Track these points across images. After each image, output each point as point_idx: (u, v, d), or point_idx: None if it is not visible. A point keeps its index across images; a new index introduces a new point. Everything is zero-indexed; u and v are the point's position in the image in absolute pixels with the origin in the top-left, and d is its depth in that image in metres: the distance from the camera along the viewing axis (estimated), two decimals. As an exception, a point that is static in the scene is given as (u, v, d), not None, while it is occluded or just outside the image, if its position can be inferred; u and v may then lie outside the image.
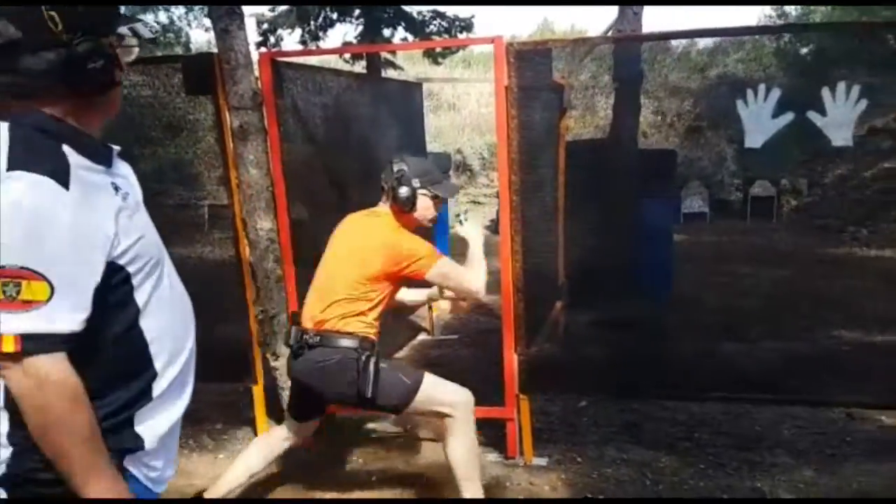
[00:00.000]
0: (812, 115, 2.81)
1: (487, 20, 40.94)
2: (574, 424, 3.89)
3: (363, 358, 2.58)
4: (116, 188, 1.28)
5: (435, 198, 2.78)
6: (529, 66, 3.21)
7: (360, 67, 11.50)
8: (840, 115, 2.80)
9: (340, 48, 8.46)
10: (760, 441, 3.62)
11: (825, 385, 3.67)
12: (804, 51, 14.97)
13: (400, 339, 5.16)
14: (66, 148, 1.21)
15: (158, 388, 1.33)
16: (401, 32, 11.53)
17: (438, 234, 6.19)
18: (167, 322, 1.35)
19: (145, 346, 1.30)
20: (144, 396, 1.31)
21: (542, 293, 4.47)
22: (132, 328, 1.28)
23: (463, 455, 2.69)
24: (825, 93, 2.81)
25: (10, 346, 1.13)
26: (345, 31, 40.07)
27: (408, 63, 14.39)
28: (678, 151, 15.53)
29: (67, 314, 1.16)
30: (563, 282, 5.24)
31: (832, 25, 11.59)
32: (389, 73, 11.35)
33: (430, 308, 5.46)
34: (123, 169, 1.38)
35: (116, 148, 1.35)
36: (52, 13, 1.17)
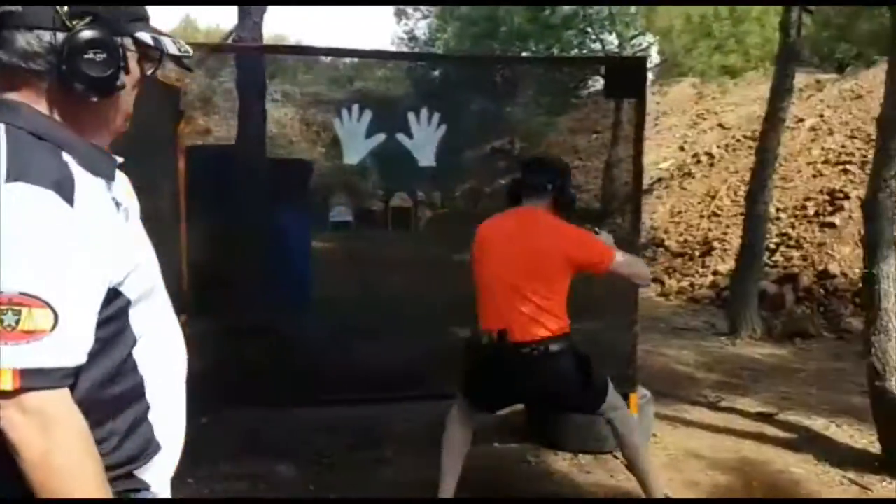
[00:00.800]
0: (400, 137, 3.06)
1: (129, 11, 37.80)
2: (190, 444, 3.70)
3: (580, 358, 2.70)
4: (118, 204, 1.14)
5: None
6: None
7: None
8: (423, 138, 3.09)
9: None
10: (373, 439, 3.83)
11: (439, 380, 4.03)
12: (435, 73, 16.54)
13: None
14: (65, 156, 1.06)
15: (157, 432, 1.20)
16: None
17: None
18: (162, 354, 1.21)
19: (141, 381, 1.16)
20: (150, 445, 1.18)
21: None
22: (126, 361, 1.13)
23: (641, 446, 2.93)
24: (410, 117, 3.08)
25: (7, 383, 0.96)
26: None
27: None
28: (325, 161, 16.01)
29: (72, 345, 1.01)
30: (187, 292, 5.02)
31: (448, 57, 12.97)
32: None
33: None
34: (122, 181, 1.21)
35: (119, 159, 1.19)
36: None
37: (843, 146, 9.51)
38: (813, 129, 10.15)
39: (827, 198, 8.48)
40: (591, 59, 8.71)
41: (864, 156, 9.03)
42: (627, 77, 3.42)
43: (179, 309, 4.65)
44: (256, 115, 5.20)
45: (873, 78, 10.91)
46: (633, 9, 10.99)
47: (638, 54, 12.73)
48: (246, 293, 5.02)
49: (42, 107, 1.09)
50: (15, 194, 0.99)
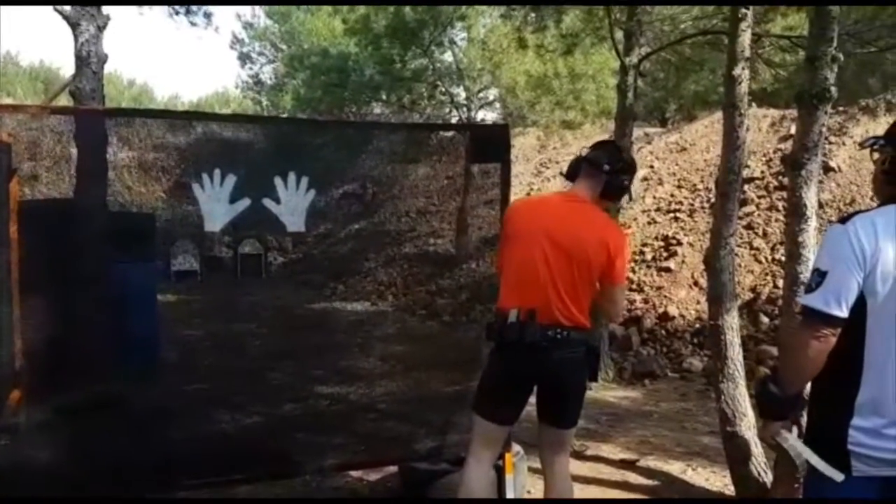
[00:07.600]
0: (267, 203, 2.93)
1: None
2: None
3: (595, 351, 2.82)
4: None
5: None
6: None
7: None
8: (293, 203, 2.98)
9: None
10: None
11: (308, 448, 3.83)
12: (284, 115, 16.27)
13: None
14: None
15: None
16: None
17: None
18: None
19: None
20: None
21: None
22: None
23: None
24: (278, 181, 2.96)
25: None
26: None
27: None
28: (166, 207, 15.20)
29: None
30: (22, 365, 4.51)
31: (304, 121, 12.88)
32: None
33: None
34: None
35: None
36: None
37: (672, 195, 10.33)
38: (645, 179, 10.95)
39: (662, 244, 9.14)
40: (455, 126, 8.91)
41: (692, 204, 9.86)
42: (491, 144, 3.47)
43: (12, 385, 4.16)
44: (97, 169, 4.81)
45: (695, 132, 12.02)
46: (479, 64, 11.43)
47: (484, 106, 13.25)
48: (92, 363, 4.59)
49: None
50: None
